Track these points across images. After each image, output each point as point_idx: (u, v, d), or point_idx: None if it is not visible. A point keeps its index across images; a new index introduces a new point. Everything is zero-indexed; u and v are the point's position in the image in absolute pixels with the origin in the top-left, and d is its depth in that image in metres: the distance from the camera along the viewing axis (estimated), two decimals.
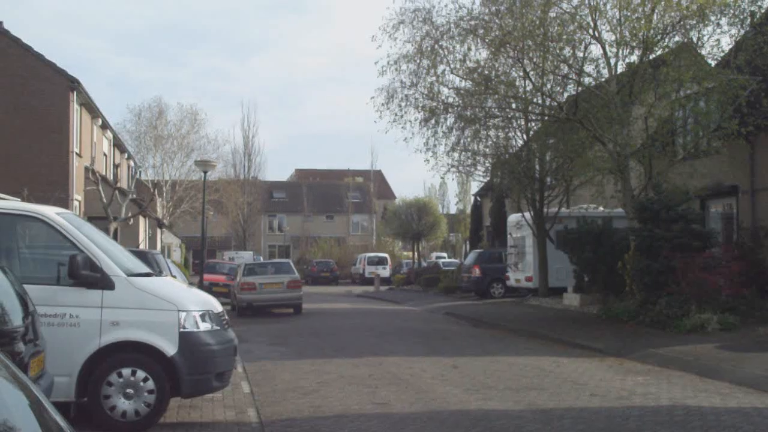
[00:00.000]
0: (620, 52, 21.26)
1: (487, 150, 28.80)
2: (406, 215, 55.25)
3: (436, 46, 23.37)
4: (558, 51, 21.52)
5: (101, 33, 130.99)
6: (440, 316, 27.15)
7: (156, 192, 40.16)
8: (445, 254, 70.29)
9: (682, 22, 20.25)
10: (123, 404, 8.71)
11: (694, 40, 20.88)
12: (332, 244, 75.35)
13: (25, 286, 7.21)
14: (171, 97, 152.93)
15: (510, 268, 31.84)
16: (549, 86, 23.19)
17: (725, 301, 18.00)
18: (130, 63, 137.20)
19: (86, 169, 30.98)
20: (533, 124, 27.48)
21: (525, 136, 28.61)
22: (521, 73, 23.30)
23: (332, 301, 37.24)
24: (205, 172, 28.60)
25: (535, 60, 22.10)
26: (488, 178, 33.87)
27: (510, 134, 28.80)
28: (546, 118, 24.35)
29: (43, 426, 2.11)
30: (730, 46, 20.84)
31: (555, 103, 23.01)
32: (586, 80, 22.35)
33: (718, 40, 20.86)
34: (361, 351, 16.66)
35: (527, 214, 29.38)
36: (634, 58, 21.29)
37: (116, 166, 40.69)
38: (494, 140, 28.50)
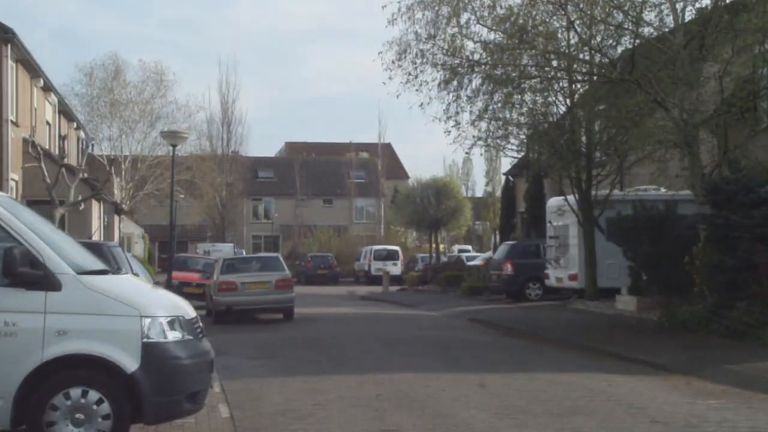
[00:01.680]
0: None
1: (522, 119, 28.66)
2: (421, 199, 55.15)
3: None
4: None
5: None
6: (464, 323, 27.16)
7: (113, 170, 40.10)
8: (469, 247, 70.29)
9: None
10: None
11: None
12: (331, 234, 75.48)
13: None
14: (131, 53, 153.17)
15: (550, 264, 31.76)
16: (599, 39, 23.10)
17: None
18: (78, 10, 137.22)
19: (25, 141, 30.96)
20: (579, 86, 27.34)
21: (569, 102, 28.46)
22: (564, 23, 23.17)
23: (331, 304, 37.23)
24: (174, 146, 28.57)
25: (581, 6, 21.96)
26: (523, 154, 33.73)
27: (550, 99, 28.63)
28: (595, 78, 24.23)
29: None
30: None
31: (606, 60, 22.88)
32: (646, 31, 22.22)
33: None
34: (367, 366, 16.62)
35: (571, 198, 29.27)
36: (705, 2, 21.14)
37: (63, 138, 40.56)
38: (530, 106, 28.36)
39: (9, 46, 29.91)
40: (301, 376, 15.43)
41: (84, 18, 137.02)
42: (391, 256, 58.86)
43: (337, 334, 23.26)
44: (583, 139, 28.78)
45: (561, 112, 29.04)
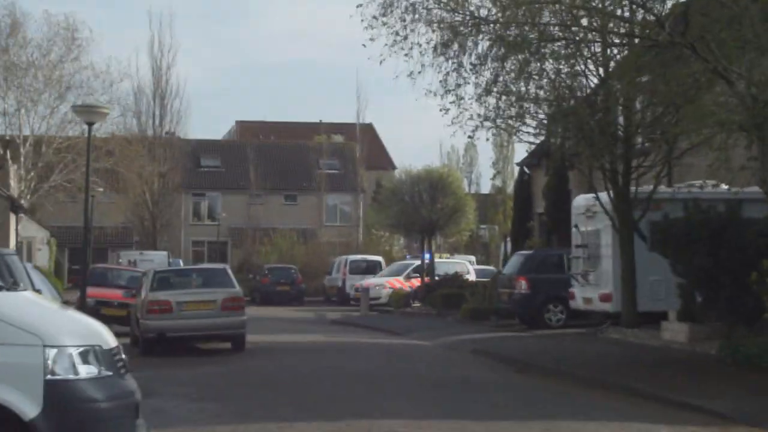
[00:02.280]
0: None
1: (542, 93, 28.68)
2: (411, 195, 55.16)
3: None
4: None
5: None
6: (465, 356, 27.24)
7: (8, 155, 39.94)
8: (472, 257, 70.32)
9: None
10: None
11: None
12: (295, 240, 75.51)
13: None
14: (33, 3, 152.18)
15: (576, 281, 31.81)
16: None
17: None
18: None
19: None
20: (615, 51, 27.37)
21: (602, 71, 28.50)
22: None
23: (295, 330, 37.31)
24: (91, 125, 28.46)
25: None
26: (543, 138, 33.67)
27: (578, 68, 28.69)
28: (636, 41, 24.25)
29: None
30: None
31: (652, 18, 22.88)
32: None
33: None
34: (341, 411, 16.63)
35: (604, 195, 29.31)
36: None
37: None
38: (553, 77, 28.38)
39: None
40: (257, 424, 15.42)
41: None
42: (372, 268, 58.84)
43: (303, 370, 23.34)
44: (621, 119, 28.80)
45: (592, 85, 29.06)
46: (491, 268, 58.27)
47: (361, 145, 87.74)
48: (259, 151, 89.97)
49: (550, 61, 27.40)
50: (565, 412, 16.56)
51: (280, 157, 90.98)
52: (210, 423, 15.58)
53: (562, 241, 35.98)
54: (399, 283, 54.01)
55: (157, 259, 60.33)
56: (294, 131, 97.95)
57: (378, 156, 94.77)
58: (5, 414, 8.70)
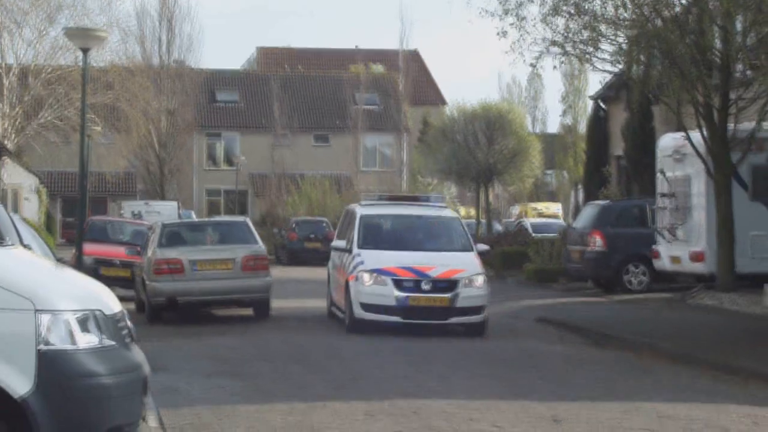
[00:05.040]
0: None
1: (622, 12, 28.51)
2: (465, 135, 55.24)
3: None
4: None
5: None
6: (529, 325, 27.43)
7: None
8: (539, 208, 70.30)
9: None
10: None
11: None
12: (327, 188, 75.31)
13: None
14: None
15: (662, 237, 31.74)
16: None
17: None
18: None
19: None
20: None
21: None
22: None
23: (325, 295, 37.27)
24: (86, 51, 28.52)
25: None
26: (622, 67, 33.52)
27: None
28: None
29: None
30: None
31: None
32: None
33: None
34: (381, 389, 16.74)
35: (696, 134, 29.18)
36: None
37: None
38: None
39: None
40: (282, 403, 15.46)
41: None
42: None
43: (336, 341, 23.53)
44: (718, 42, 28.60)
45: (683, 2, 28.86)
46: (560, 221, 58.15)
47: (404, 77, 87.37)
48: (284, 83, 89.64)
49: None
50: (649, 391, 16.60)
51: (309, 90, 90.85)
52: (228, 402, 15.61)
53: (645, 190, 35.86)
54: None
55: (165, 210, 60.60)
56: (326, 60, 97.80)
57: (425, 89, 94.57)
58: None
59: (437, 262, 24.90)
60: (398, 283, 23.99)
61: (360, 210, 26.16)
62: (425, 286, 24.20)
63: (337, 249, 27.39)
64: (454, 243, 26.51)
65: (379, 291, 23.78)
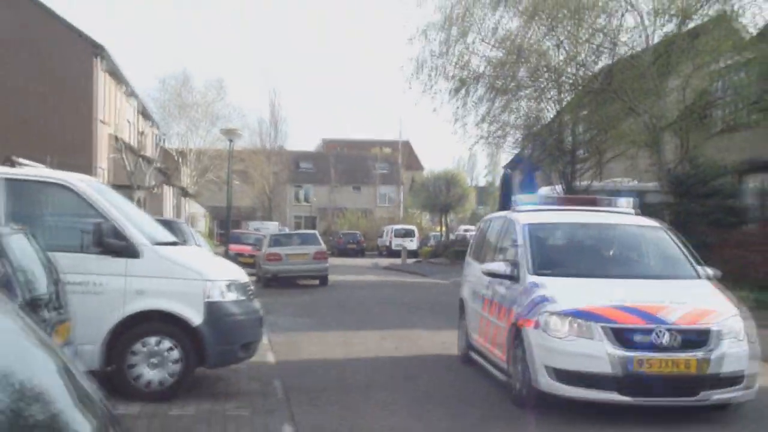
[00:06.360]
0: (657, 21, 21.03)
1: (518, 121, 28.45)
2: (434, 187, 55.18)
3: (467, 14, 23.23)
4: (592, 20, 21.34)
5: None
6: None
7: (181, 160, 40.45)
8: (473, 227, 70.16)
9: None
10: (148, 373, 8.77)
11: (735, 8, 20.57)
12: (359, 215, 75.17)
13: (49, 253, 7.20)
14: (197, 67, 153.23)
15: None
16: (582, 56, 22.98)
17: (762, 279, 17.82)
18: (156, 31, 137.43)
19: (111, 137, 31.22)
20: (566, 95, 27.14)
21: (557, 108, 28.29)
22: (554, 43, 23.09)
23: (358, 273, 37.31)
24: (231, 141, 28.68)
25: (568, 29, 21.91)
26: (518, 150, 33.56)
27: (541, 105, 28.42)
28: (579, 89, 24.15)
29: (72, 393, 2.13)
30: None
31: (589, 74, 22.81)
32: (621, 50, 22.12)
33: (759, 9, 20.34)
34: (388, 323, 16.74)
35: (558, 188, 29.13)
36: (671, 27, 21.04)
37: (141, 134, 40.93)
38: (525, 111, 28.13)
39: (99, 59, 30.18)
40: (334, 331, 15.55)
41: (161, 38, 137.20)
42: (408, 234, 58.64)
43: (363, 298, 23.34)
44: (569, 139, 28.64)
45: (551, 117, 28.91)
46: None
47: (402, 155, 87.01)
48: (336, 158, 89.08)
49: (524, 101, 27.25)
50: None
51: (349, 162, 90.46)
52: (306, 330, 15.68)
53: None
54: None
55: (272, 227, 60.23)
56: (358, 146, 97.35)
57: (412, 162, 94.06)
58: (182, 322, 8.82)
59: (668, 298, 8.93)
60: (617, 335, 8.30)
61: (521, 219, 10.72)
62: (663, 340, 8.25)
63: (491, 274, 10.49)
64: (673, 266, 10.23)
65: (583, 348, 8.28)
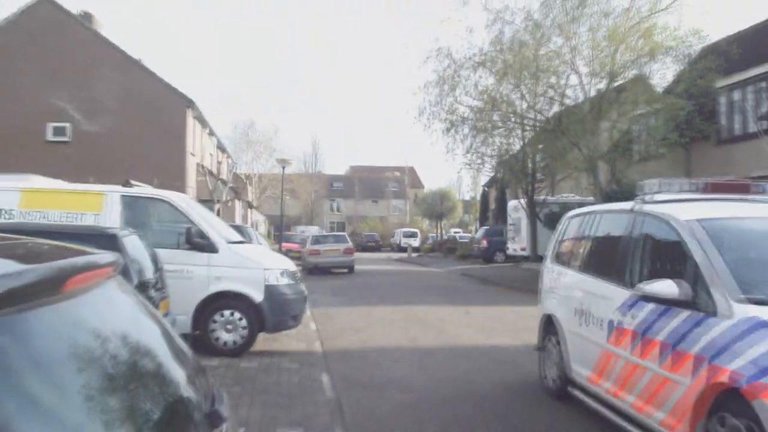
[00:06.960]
0: (592, 80, 20.97)
1: (493, 152, 28.34)
2: (431, 200, 55.10)
3: (455, 75, 23.23)
4: (547, 79, 21.31)
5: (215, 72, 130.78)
6: (457, 276, 26.99)
7: (247, 182, 40.53)
8: (460, 230, 69.72)
9: (637, 60, 20.20)
10: (224, 336, 8.82)
11: (647, 73, 20.88)
12: (377, 221, 75.04)
13: (154, 249, 7.32)
14: (260, 114, 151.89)
15: (509, 241, 31.61)
16: (539, 105, 22.91)
17: None
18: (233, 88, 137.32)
19: (198, 165, 31.36)
20: (528, 133, 27.03)
21: (521, 143, 28.21)
22: (518, 95, 23.02)
23: (377, 264, 37.28)
24: (284, 168, 28.81)
25: (529, 86, 21.87)
26: (493, 174, 33.51)
27: (510, 141, 28.22)
28: (537, 129, 24.08)
29: (171, 350, 2.19)
30: (673, 78, 20.73)
31: (544, 118, 22.74)
32: (567, 101, 22.06)
33: (664, 73, 20.60)
34: (398, 301, 16.70)
35: (522, 201, 29.08)
36: (602, 85, 20.99)
37: (219, 163, 41.03)
38: (498, 145, 27.93)
39: (190, 109, 30.40)
40: (359, 306, 15.51)
41: (234, 90, 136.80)
42: (413, 235, 58.43)
43: (380, 282, 23.27)
44: (530, 165, 28.55)
45: (516, 149, 28.85)
46: (470, 235, 57.86)
47: (408, 177, 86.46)
48: (360, 179, 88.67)
49: (497, 138, 27.13)
50: (505, 301, 16.49)
51: (369, 182, 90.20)
52: (338, 306, 15.62)
53: (503, 222, 35.67)
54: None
55: (313, 230, 60.13)
56: (376, 170, 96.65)
57: (416, 181, 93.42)
58: (248, 299, 8.82)
59: None
60: None
61: (679, 214, 3.96)
62: None
63: (654, 299, 3.92)
64: None
65: None
